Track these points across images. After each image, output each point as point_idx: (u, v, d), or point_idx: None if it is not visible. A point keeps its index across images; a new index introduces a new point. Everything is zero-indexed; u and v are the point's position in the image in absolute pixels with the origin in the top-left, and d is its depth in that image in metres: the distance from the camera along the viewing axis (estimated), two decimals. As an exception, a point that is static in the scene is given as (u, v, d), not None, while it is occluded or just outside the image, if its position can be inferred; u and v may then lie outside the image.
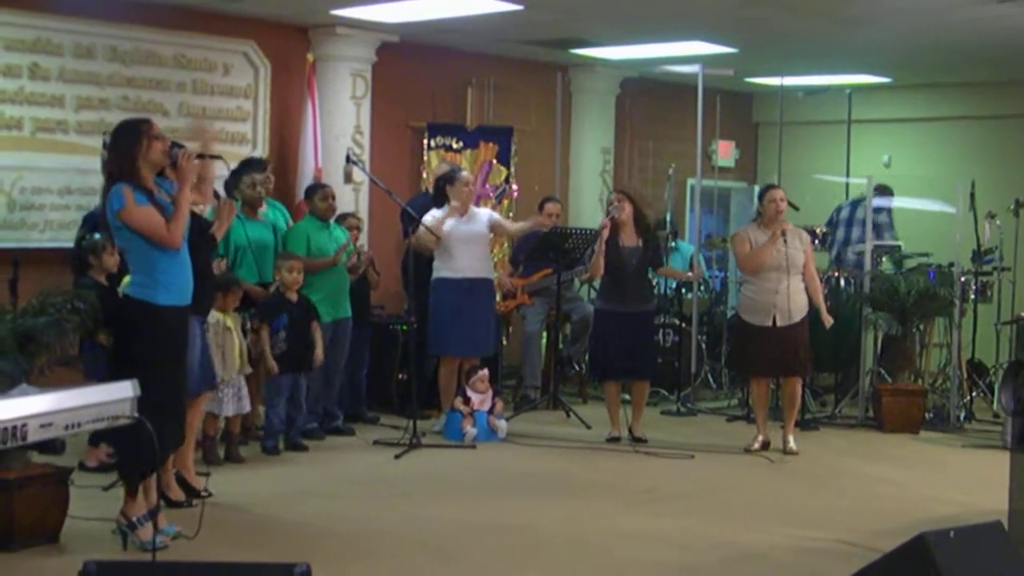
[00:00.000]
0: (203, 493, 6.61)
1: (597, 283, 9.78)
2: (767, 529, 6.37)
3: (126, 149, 5.58)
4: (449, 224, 8.70)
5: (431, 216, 8.72)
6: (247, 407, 7.69)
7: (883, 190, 10.89)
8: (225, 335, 7.29)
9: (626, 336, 8.55)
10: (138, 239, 5.54)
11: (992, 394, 10.38)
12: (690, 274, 9.75)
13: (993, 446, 8.89)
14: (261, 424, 8.28)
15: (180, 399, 5.82)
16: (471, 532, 6.21)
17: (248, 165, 8.39)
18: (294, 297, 8.02)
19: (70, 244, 8.03)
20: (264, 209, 8.42)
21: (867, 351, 9.92)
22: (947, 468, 8.32)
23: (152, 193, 5.60)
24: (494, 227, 8.98)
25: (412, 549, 5.84)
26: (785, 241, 8.26)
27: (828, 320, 8.52)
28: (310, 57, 9.99)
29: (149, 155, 5.59)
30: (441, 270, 8.79)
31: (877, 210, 10.73)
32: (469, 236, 8.77)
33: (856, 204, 11.09)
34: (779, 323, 8.33)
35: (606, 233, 8.56)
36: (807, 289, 8.46)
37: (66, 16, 8.69)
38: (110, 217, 5.52)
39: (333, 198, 8.66)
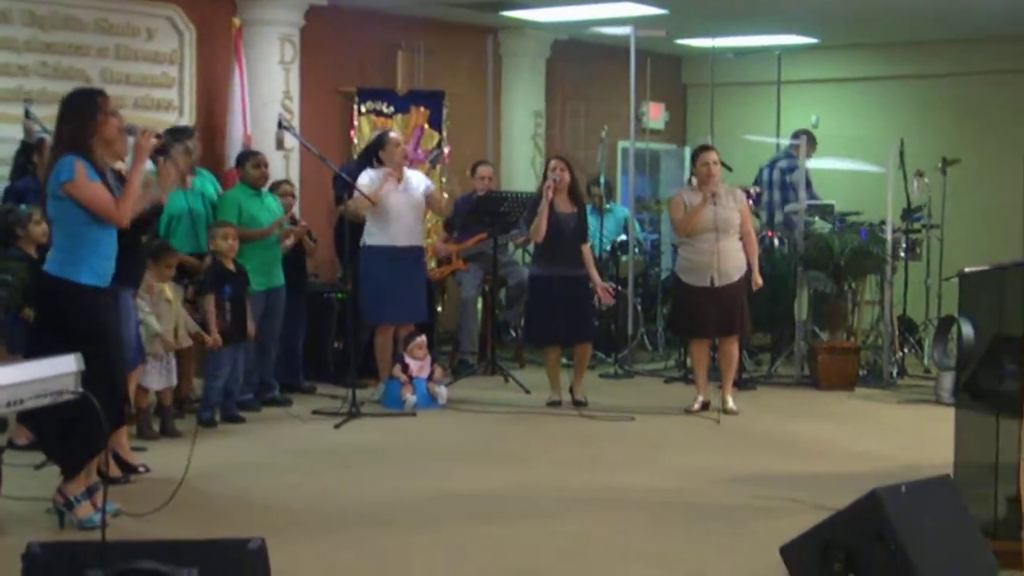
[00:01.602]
0: (140, 469, 6.50)
1: (532, 248, 9.72)
2: (718, 489, 6.39)
3: (80, 122, 5.41)
4: (386, 189, 8.57)
5: (367, 177, 8.58)
6: (175, 380, 7.55)
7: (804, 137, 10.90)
8: (163, 306, 7.14)
9: (564, 300, 8.51)
10: (77, 213, 5.36)
11: (922, 350, 10.52)
12: (605, 287, 8.99)
13: (927, 401, 9.04)
14: (196, 396, 8.14)
15: (111, 378, 5.51)
16: (418, 500, 6.15)
17: (176, 133, 8.22)
18: (232, 267, 7.88)
19: (-10, 217, 7.81)
20: (193, 177, 8.26)
21: (803, 310, 9.99)
22: (885, 423, 8.42)
23: (103, 173, 5.43)
24: (428, 198, 8.87)
25: (360, 519, 5.77)
26: (715, 203, 8.28)
27: (758, 282, 8.54)
28: (236, 21, 9.78)
29: (104, 131, 5.44)
30: (373, 236, 8.66)
31: (790, 169, 10.76)
32: (405, 204, 8.66)
33: (772, 165, 11.13)
34: (717, 283, 8.36)
35: (551, 194, 8.49)
36: (744, 248, 8.49)
37: (-21, -20, 8.44)
38: (53, 186, 5.35)
39: (266, 165, 8.54)
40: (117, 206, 5.40)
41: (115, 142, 5.54)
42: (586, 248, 8.77)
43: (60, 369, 3.45)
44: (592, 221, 9.84)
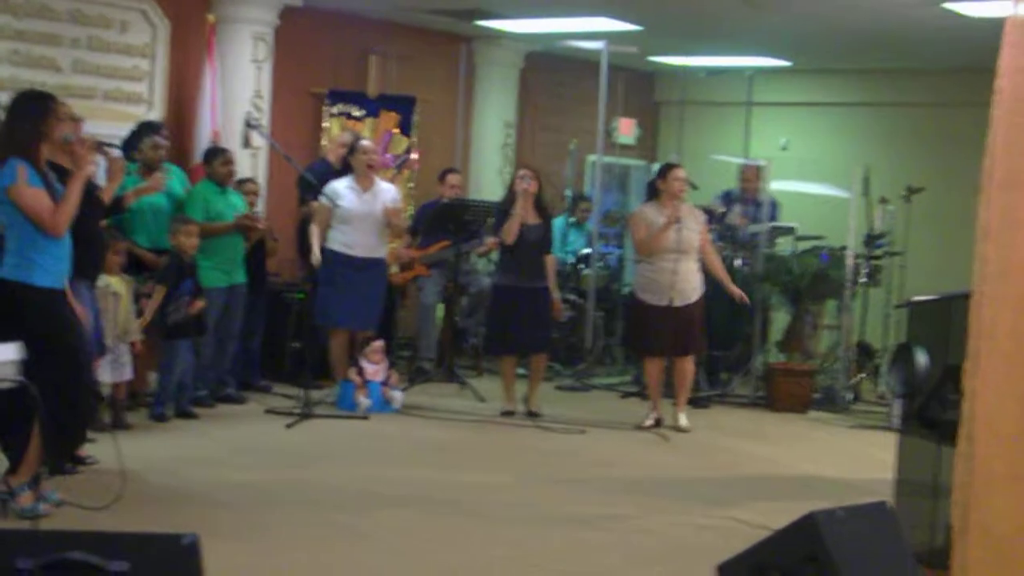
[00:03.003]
0: (87, 460, 6.47)
1: (495, 257, 9.74)
2: (660, 506, 6.42)
3: (29, 125, 5.39)
4: (350, 198, 8.58)
5: (332, 188, 8.60)
6: (128, 374, 7.52)
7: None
8: (111, 299, 7.11)
9: (525, 311, 8.54)
10: (21, 217, 5.37)
11: (879, 376, 10.58)
12: (558, 302, 9.06)
13: (879, 427, 9.07)
14: (151, 390, 8.12)
15: (77, 376, 5.55)
16: (365, 503, 6.16)
17: (146, 128, 8.24)
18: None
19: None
20: (162, 174, 8.26)
21: (759, 330, 10.05)
22: (835, 447, 8.47)
23: (47, 176, 5.42)
24: (388, 211, 8.77)
25: (305, 520, 5.76)
26: (679, 226, 8.31)
27: (736, 292, 8.60)
28: (211, 18, 9.76)
29: (53, 137, 5.43)
30: (334, 242, 8.66)
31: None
32: (368, 214, 8.66)
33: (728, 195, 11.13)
34: (676, 303, 8.39)
35: (530, 191, 8.49)
36: (707, 267, 8.55)
37: (-48, -35, 8.40)
38: None
39: (233, 163, 8.53)
40: (54, 214, 5.37)
41: (58, 147, 5.53)
42: (550, 259, 8.79)
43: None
44: (559, 230, 9.87)
